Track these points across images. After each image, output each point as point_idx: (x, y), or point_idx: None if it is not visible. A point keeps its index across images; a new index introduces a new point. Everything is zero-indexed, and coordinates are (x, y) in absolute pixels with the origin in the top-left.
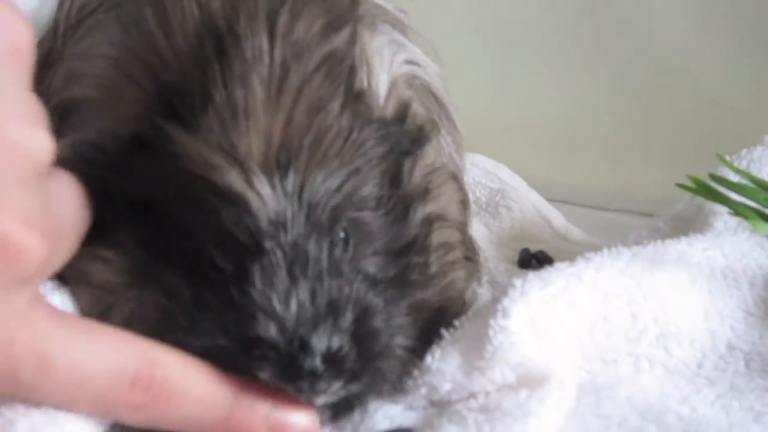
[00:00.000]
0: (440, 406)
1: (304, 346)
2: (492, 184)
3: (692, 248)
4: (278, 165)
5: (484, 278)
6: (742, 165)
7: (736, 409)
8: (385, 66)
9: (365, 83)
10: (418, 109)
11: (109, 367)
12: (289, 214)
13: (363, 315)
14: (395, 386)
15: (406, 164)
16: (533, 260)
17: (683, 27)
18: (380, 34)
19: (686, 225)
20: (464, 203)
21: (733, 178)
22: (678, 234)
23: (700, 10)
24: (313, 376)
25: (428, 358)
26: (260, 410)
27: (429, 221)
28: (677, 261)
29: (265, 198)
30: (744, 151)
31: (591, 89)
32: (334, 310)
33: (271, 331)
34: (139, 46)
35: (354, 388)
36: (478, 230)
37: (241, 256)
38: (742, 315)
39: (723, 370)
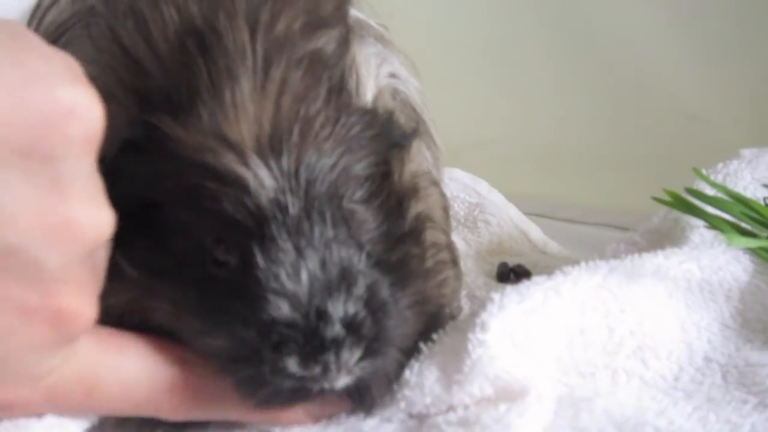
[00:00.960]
0: (419, 419)
1: (322, 315)
2: (470, 199)
3: (669, 261)
4: (271, 148)
5: (463, 292)
6: (718, 179)
7: (713, 422)
8: (372, 76)
9: (354, 90)
10: (400, 119)
11: (149, 377)
12: (288, 192)
13: (373, 287)
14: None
15: (395, 164)
16: (511, 274)
17: (661, 43)
18: (367, 45)
19: (663, 238)
20: (446, 210)
21: (709, 191)
22: (655, 247)
23: (677, 27)
24: (337, 345)
25: (407, 372)
26: None
27: (421, 219)
28: (654, 274)
29: (262, 178)
30: (720, 165)
31: (568, 105)
32: (346, 277)
33: (284, 309)
34: (117, 63)
35: (370, 365)
36: (456, 244)
37: (244, 243)
38: (719, 327)
39: (700, 382)
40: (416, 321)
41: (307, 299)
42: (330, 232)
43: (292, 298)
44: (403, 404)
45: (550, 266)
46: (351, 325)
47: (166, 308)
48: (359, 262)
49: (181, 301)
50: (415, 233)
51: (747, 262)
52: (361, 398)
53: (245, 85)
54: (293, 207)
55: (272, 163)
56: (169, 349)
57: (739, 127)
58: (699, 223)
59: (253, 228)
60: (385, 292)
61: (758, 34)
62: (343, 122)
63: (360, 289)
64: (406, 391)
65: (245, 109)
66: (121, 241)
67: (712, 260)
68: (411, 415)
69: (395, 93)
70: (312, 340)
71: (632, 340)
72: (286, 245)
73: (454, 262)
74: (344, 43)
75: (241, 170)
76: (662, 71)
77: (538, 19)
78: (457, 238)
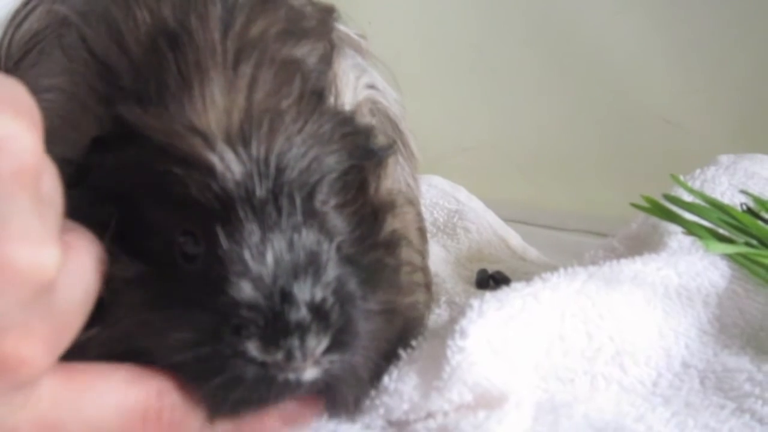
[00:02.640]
0: (398, 426)
1: (287, 297)
2: (450, 206)
3: (647, 268)
4: (241, 138)
5: (442, 299)
6: (696, 185)
7: (692, 427)
8: (350, 88)
9: (333, 102)
10: (378, 135)
11: (119, 412)
12: (256, 176)
13: (342, 278)
14: (363, 389)
15: (372, 177)
16: (491, 280)
17: (639, 50)
18: (346, 57)
19: (641, 244)
20: (422, 231)
21: (687, 197)
22: (633, 253)
23: (656, 35)
24: (302, 329)
25: (385, 379)
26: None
27: (396, 235)
28: (632, 280)
29: (229, 162)
30: (698, 171)
31: (547, 112)
32: (315, 261)
33: (246, 291)
34: (88, 71)
35: (339, 359)
36: (436, 251)
37: (211, 229)
38: (697, 333)
39: (678, 388)
40: (386, 328)
41: (271, 280)
42: (299, 217)
43: (256, 279)
44: (381, 411)
45: (530, 273)
46: (318, 311)
47: (131, 315)
48: (329, 251)
49: (149, 304)
50: (390, 245)
51: (724, 268)
52: (333, 400)
53: (214, 78)
54: (260, 189)
55: (240, 150)
56: (141, 375)
57: (716, 134)
58: (677, 229)
59: (218, 211)
60: (354, 286)
61: (736, 41)
62: (316, 119)
63: (329, 276)
64: (385, 398)
65: (214, 101)
66: None
67: (690, 266)
68: (390, 422)
69: (374, 104)
70: (275, 322)
71: (611, 346)
72: (252, 226)
73: (427, 286)
74: (326, 59)
75: (208, 154)
76: (641, 78)
77: (518, 26)
78: (436, 245)
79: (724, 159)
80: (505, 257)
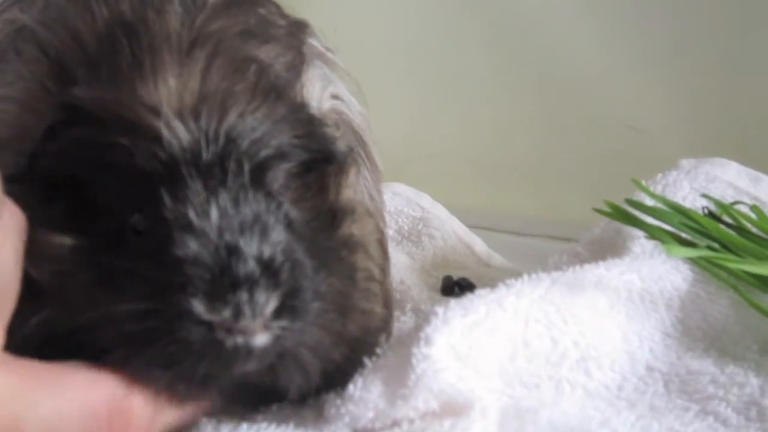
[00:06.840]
0: None
1: (234, 250)
2: (414, 213)
3: (610, 273)
4: (193, 112)
5: (408, 306)
6: (658, 189)
7: (656, 430)
8: (315, 99)
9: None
10: (341, 142)
11: (82, 412)
12: (203, 142)
13: (292, 246)
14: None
15: (331, 185)
16: (456, 287)
17: (600, 55)
18: (313, 68)
19: (605, 249)
20: (382, 244)
21: (649, 202)
22: (596, 258)
23: (615, 39)
24: (251, 283)
25: (350, 387)
26: None
27: (354, 241)
28: (596, 285)
29: (177, 130)
30: (659, 175)
31: (508, 117)
32: (262, 220)
33: (190, 246)
34: (42, 73)
35: (289, 325)
36: (401, 259)
37: (157, 198)
38: (660, 336)
39: (642, 391)
40: (338, 320)
41: (216, 235)
42: (246, 179)
43: (200, 235)
44: (347, 419)
45: (494, 278)
46: (266, 266)
47: (77, 291)
48: (278, 215)
49: (95, 278)
50: (347, 245)
51: (687, 272)
52: (272, 384)
53: (167, 61)
54: (207, 153)
55: (190, 122)
56: (104, 374)
57: (677, 138)
58: (640, 233)
59: (164, 177)
60: (304, 258)
61: (696, 45)
62: (271, 102)
63: (277, 236)
64: (350, 406)
65: (166, 82)
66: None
67: (653, 270)
68: (356, 431)
69: (338, 115)
70: (221, 277)
71: (575, 351)
72: (196, 186)
73: (386, 302)
74: (296, 69)
75: (155, 122)
76: (601, 83)
77: (481, 33)
78: (401, 253)
79: (686, 163)
80: (470, 264)
